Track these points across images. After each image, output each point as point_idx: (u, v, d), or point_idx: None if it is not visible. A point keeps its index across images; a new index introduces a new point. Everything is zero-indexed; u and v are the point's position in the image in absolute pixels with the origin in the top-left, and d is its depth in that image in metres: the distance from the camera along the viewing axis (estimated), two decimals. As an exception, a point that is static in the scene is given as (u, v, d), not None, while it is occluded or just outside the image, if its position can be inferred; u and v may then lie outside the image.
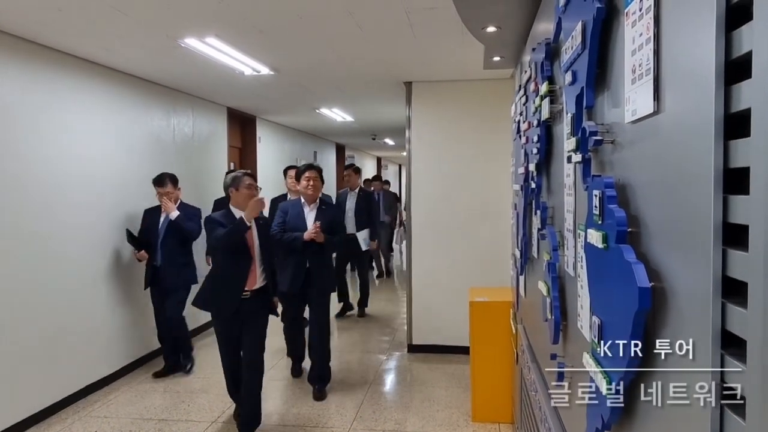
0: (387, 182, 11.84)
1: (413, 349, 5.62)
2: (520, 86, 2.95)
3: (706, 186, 0.74)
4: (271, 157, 8.61)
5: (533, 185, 2.28)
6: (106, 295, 4.72)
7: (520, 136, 2.89)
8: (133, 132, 5.16)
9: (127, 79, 5.04)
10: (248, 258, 3.65)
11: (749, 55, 0.67)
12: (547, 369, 2.10)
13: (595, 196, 1.13)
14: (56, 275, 4.16)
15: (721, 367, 0.72)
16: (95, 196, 4.59)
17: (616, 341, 1.02)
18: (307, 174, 4.47)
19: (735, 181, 0.71)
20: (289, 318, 4.80)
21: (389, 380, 5.00)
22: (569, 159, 1.44)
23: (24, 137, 3.90)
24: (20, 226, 3.86)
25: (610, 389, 1.03)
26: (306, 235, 4.28)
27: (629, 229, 1.03)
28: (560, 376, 1.66)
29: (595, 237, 1.11)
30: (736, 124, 0.71)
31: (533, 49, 2.32)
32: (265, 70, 4.94)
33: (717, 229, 0.72)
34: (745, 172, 0.67)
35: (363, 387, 4.68)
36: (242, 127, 7.97)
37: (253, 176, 3.78)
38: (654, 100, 0.91)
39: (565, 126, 1.59)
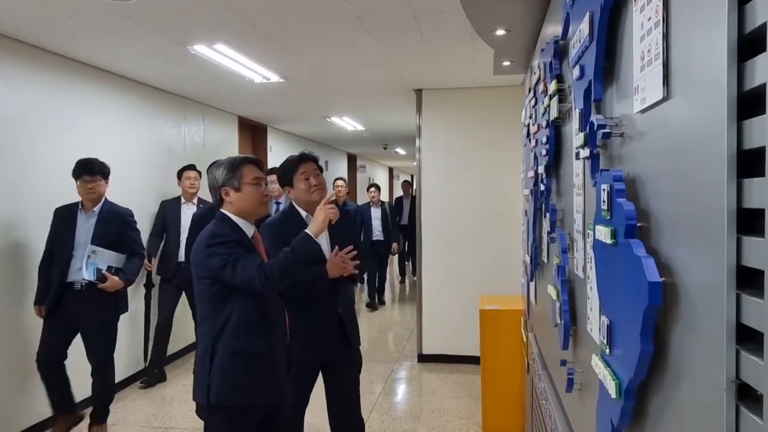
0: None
1: (423, 358, 5.56)
2: (529, 89, 2.92)
3: (719, 170, 0.69)
4: (282, 166, 8.61)
5: (542, 188, 2.24)
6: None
7: (529, 140, 2.84)
8: (143, 140, 5.17)
9: (137, 86, 5.07)
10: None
11: (763, 27, 0.63)
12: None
13: (603, 190, 1.09)
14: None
15: (737, 363, 0.67)
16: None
17: (626, 341, 0.98)
18: (302, 169, 2.71)
19: (750, 164, 0.67)
20: None
21: (399, 390, 4.94)
22: (577, 155, 1.39)
23: (35, 144, 3.92)
24: (27, 232, 3.87)
25: (620, 391, 0.98)
26: (333, 268, 2.62)
27: (639, 224, 0.98)
28: (570, 383, 1.61)
29: (603, 233, 1.07)
30: (750, 103, 0.66)
31: (542, 50, 2.28)
32: (274, 78, 4.94)
33: (731, 215, 0.67)
34: (760, 153, 0.63)
35: (372, 396, 4.62)
36: (253, 135, 7.99)
37: (259, 163, 2.42)
38: (663, 85, 0.87)
39: (574, 123, 1.55)
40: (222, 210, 2.36)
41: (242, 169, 2.32)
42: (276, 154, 8.37)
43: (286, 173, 2.75)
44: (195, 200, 5.07)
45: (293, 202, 2.76)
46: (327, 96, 6.03)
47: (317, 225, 2.33)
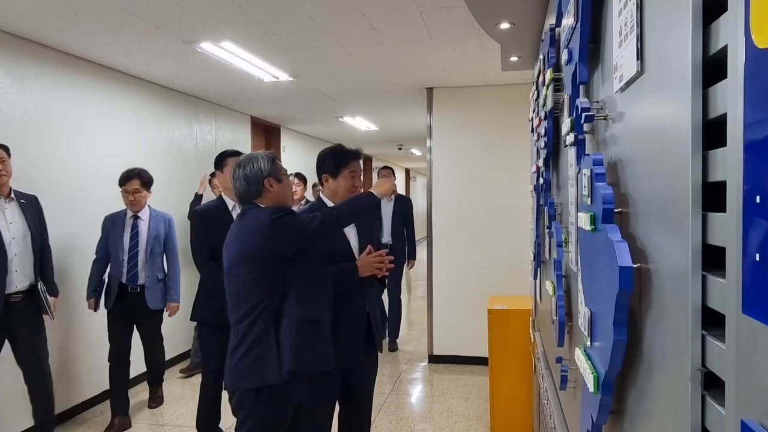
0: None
1: (434, 359, 5.50)
2: (533, 82, 2.86)
3: (684, 143, 0.64)
4: (296, 167, 8.62)
5: (542, 181, 2.18)
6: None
7: (533, 135, 2.79)
8: (154, 139, 5.19)
9: (148, 86, 5.09)
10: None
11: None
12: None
13: (585, 175, 1.04)
14: (71, 281, 4.18)
15: (702, 350, 0.62)
16: (115, 203, 4.61)
17: (603, 332, 0.93)
18: (354, 167, 2.63)
19: (717, 135, 0.62)
20: None
21: (407, 390, 4.88)
22: (565, 142, 1.35)
23: (45, 143, 3.95)
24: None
25: (597, 385, 0.93)
26: (365, 267, 2.55)
27: (618, 209, 0.94)
28: (563, 380, 1.56)
29: (583, 220, 1.02)
30: (716, 69, 0.62)
31: (542, 41, 2.23)
32: (284, 77, 4.93)
33: (696, 190, 0.63)
34: (724, 121, 0.58)
35: (380, 396, 4.58)
36: (267, 136, 8.00)
37: None
38: (638, 59, 0.82)
39: (566, 110, 1.50)
40: (257, 202, 2.32)
41: (278, 163, 2.39)
42: (290, 154, 8.38)
43: (336, 162, 2.59)
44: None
45: (322, 195, 2.64)
46: (338, 95, 6.01)
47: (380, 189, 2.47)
